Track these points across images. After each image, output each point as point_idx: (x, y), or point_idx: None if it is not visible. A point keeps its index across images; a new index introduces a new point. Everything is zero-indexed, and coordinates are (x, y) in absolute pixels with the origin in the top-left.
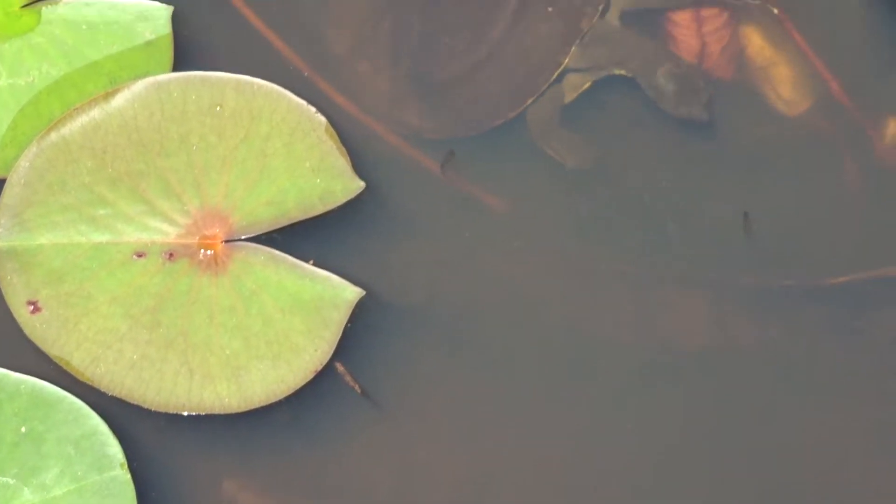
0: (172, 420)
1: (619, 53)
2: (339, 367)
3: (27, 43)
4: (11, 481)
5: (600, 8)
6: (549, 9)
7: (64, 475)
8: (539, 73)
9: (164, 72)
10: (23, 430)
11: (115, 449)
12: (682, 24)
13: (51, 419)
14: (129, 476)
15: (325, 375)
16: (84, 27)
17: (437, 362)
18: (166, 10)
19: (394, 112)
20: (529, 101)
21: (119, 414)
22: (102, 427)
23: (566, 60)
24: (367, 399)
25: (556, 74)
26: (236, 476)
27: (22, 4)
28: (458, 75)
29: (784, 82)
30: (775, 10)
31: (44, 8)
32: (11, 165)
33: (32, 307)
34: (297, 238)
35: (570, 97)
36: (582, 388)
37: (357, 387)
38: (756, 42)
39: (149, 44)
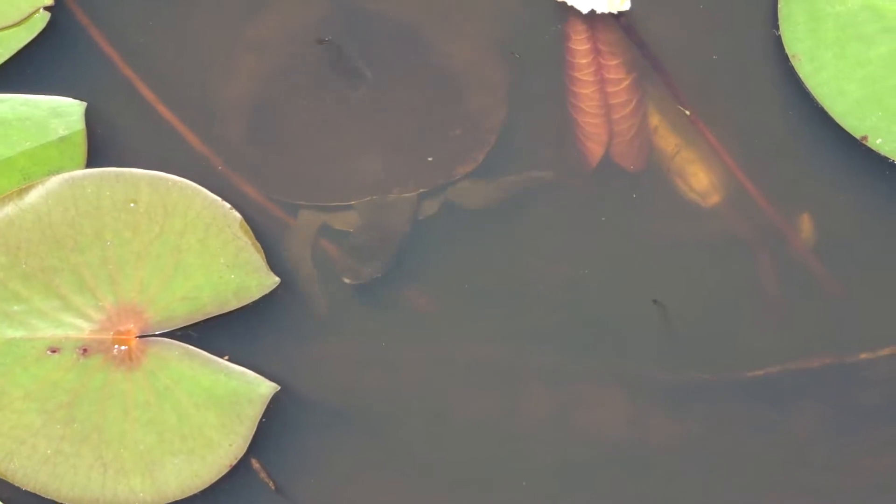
0: None
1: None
2: (255, 463)
3: None
4: None
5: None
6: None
7: None
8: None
9: (77, 167)
10: None
11: None
12: (591, 111)
13: None
14: None
15: (239, 470)
16: None
17: (352, 459)
18: (79, 106)
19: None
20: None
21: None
22: None
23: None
24: (282, 495)
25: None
26: None
27: None
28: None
29: (695, 175)
30: (687, 112)
31: None
32: None
33: None
34: (212, 333)
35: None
36: (500, 487)
37: (272, 483)
38: (666, 136)
39: (62, 139)
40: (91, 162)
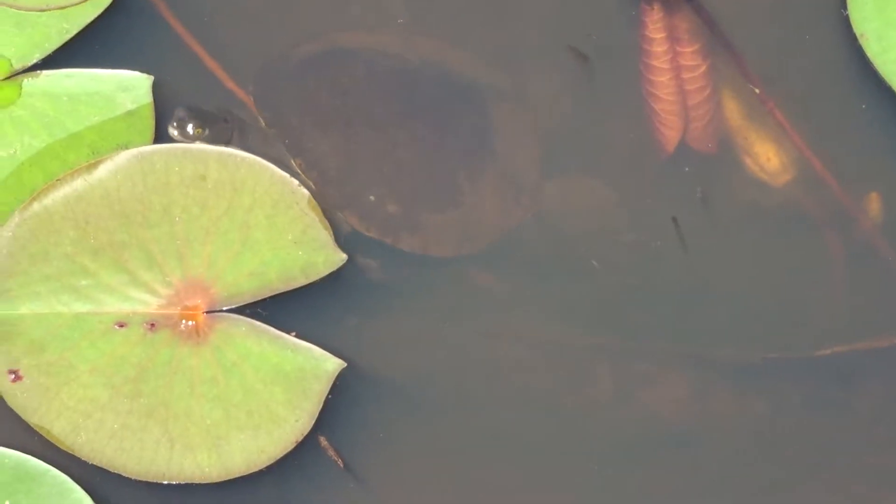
0: (154, 490)
1: None
2: (323, 441)
3: (8, 115)
4: None
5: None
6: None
7: None
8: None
9: (145, 141)
10: (7, 503)
11: None
12: (667, 98)
13: (34, 493)
14: None
15: (305, 446)
16: (65, 99)
17: (418, 435)
18: (147, 80)
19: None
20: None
21: (101, 485)
22: (87, 501)
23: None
24: (349, 472)
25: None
26: None
27: (2, 77)
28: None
29: (765, 156)
30: (757, 91)
31: (24, 80)
32: None
33: (13, 376)
34: (279, 309)
35: None
36: (563, 463)
37: (340, 461)
38: (737, 117)
39: (130, 113)
40: (158, 136)
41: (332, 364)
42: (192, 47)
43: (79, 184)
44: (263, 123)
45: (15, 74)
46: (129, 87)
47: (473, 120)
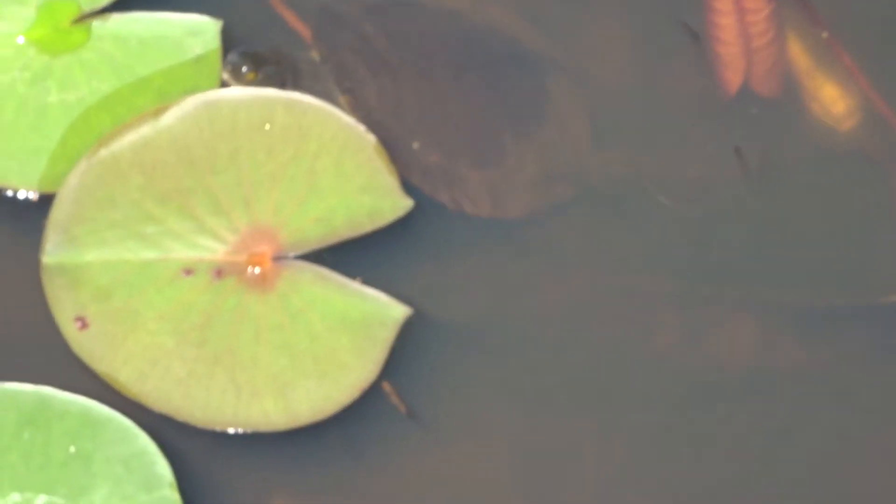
0: (220, 439)
1: None
2: (386, 385)
3: (77, 59)
4: (60, 501)
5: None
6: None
7: (113, 495)
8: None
9: (212, 86)
10: (72, 449)
11: (163, 468)
12: (730, 41)
13: (100, 438)
14: (177, 495)
15: (371, 393)
16: (133, 43)
17: (485, 382)
18: (215, 25)
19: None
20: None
21: (167, 432)
22: (151, 447)
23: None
24: (412, 419)
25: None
26: (284, 493)
27: (72, 20)
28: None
29: (830, 100)
30: (824, 35)
31: (94, 24)
32: (61, 180)
33: (80, 323)
34: (345, 256)
35: None
36: (630, 408)
37: (403, 406)
38: (802, 61)
39: (198, 59)
40: (226, 81)
41: (399, 311)
42: None
43: (145, 130)
44: (317, 56)
45: (84, 17)
46: (198, 31)
47: (527, 87)
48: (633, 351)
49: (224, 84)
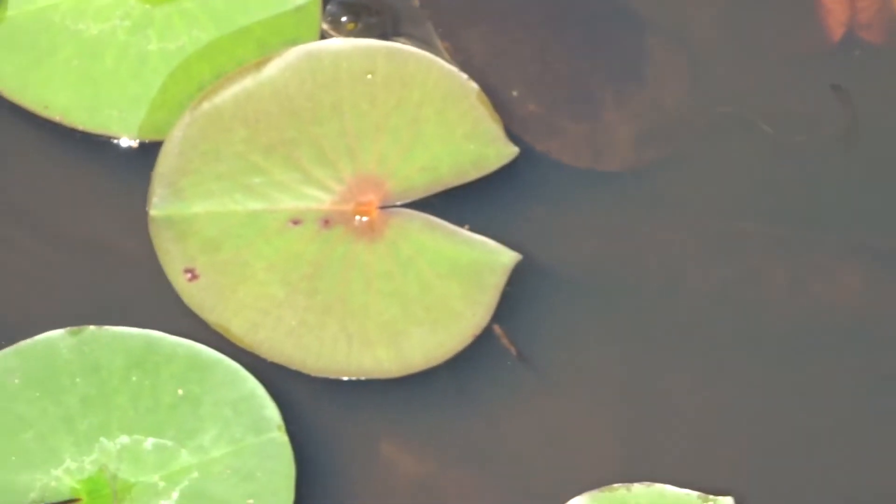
0: (328, 383)
1: None
2: (497, 329)
3: (177, 8)
4: (169, 443)
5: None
6: None
7: (221, 437)
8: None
9: (312, 37)
10: (180, 392)
11: (272, 411)
12: None
13: (208, 382)
14: (286, 438)
15: (481, 340)
16: None
17: (591, 326)
18: None
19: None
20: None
21: (274, 376)
22: (259, 390)
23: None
24: (524, 362)
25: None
26: (394, 438)
27: None
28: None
29: None
30: None
31: None
32: (162, 128)
33: (190, 275)
34: (451, 203)
35: None
36: (736, 353)
37: (514, 349)
38: None
39: (298, 9)
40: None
41: (508, 256)
42: None
43: (248, 82)
44: (418, 2)
45: None
46: None
47: (629, 45)
48: (737, 296)
49: (324, 35)
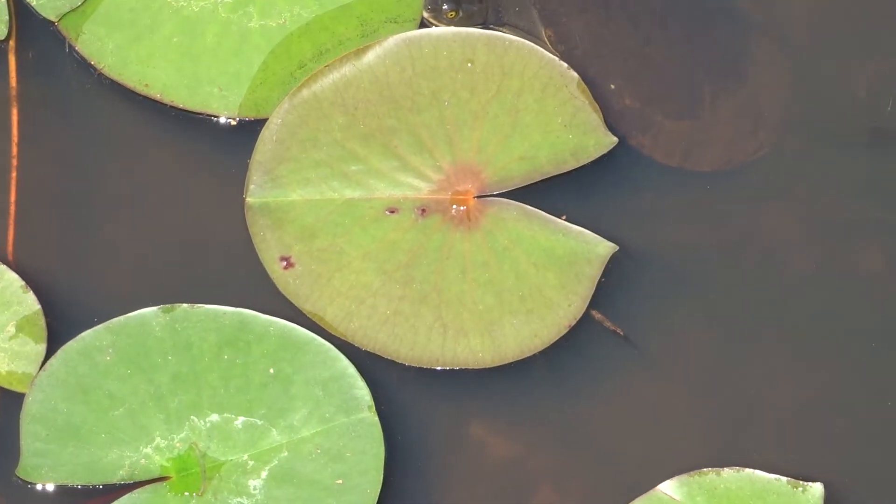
0: (420, 368)
1: None
2: (596, 314)
3: None
4: (260, 422)
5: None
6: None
7: (311, 416)
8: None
9: (414, 15)
10: (271, 371)
11: (362, 391)
12: None
13: (299, 361)
14: (376, 418)
15: (576, 330)
16: None
17: (686, 312)
18: None
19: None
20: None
21: (365, 357)
22: (350, 370)
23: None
24: (628, 342)
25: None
26: (483, 420)
27: None
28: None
29: None
30: None
31: None
32: (262, 107)
33: (285, 263)
34: (549, 193)
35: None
36: (831, 337)
37: (618, 329)
38: None
39: None
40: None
41: (604, 247)
42: None
43: (347, 69)
44: None
45: None
46: None
47: (731, 43)
48: (833, 279)
49: (425, 23)
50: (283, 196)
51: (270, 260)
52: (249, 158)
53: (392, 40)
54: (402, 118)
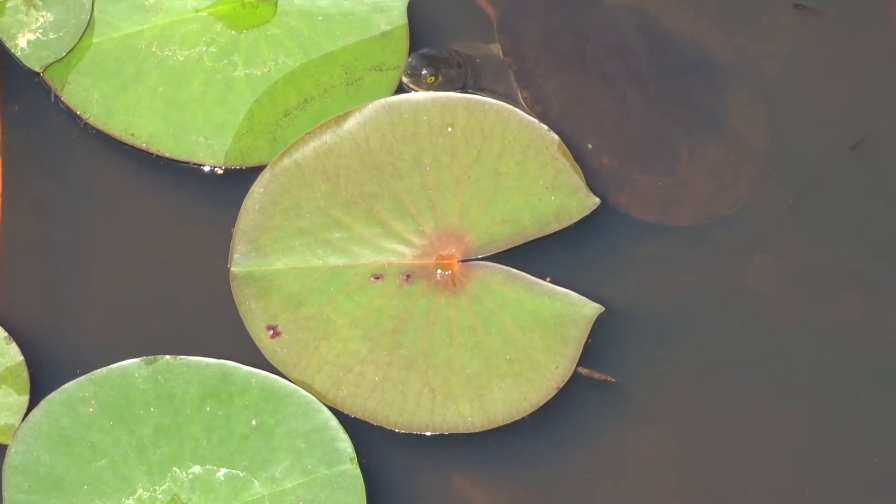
0: (413, 440)
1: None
2: (582, 370)
3: (263, 34)
4: (241, 473)
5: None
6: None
7: (293, 468)
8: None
9: (399, 62)
10: (253, 423)
11: (345, 444)
12: None
13: (281, 413)
14: (358, 471)
15: (564, 392)
16: (320, 18)
17: (672, 368)
18: (402, 2)
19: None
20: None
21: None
22: (333, 422)
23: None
24: (617, 382)
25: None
26: (467, 474)
27: None
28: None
29: None
30: None
31: None
32: (248, 155)
33: (272, 332)
34: (531, 255)
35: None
36: (816, 384)
37: (608, 377)
38: None
39: (384, 34)
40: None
41: (590, 309)
42: None
43: (328, 136)
44: (499, 48)
45: None
46: (385, 8)
47: (708, 96)
48: (814, 329)
49: (404, 88)
50: (267, 265)
51: (257, 329)
52: (235, 207)
53: (371, 106)
54: (384, 184)
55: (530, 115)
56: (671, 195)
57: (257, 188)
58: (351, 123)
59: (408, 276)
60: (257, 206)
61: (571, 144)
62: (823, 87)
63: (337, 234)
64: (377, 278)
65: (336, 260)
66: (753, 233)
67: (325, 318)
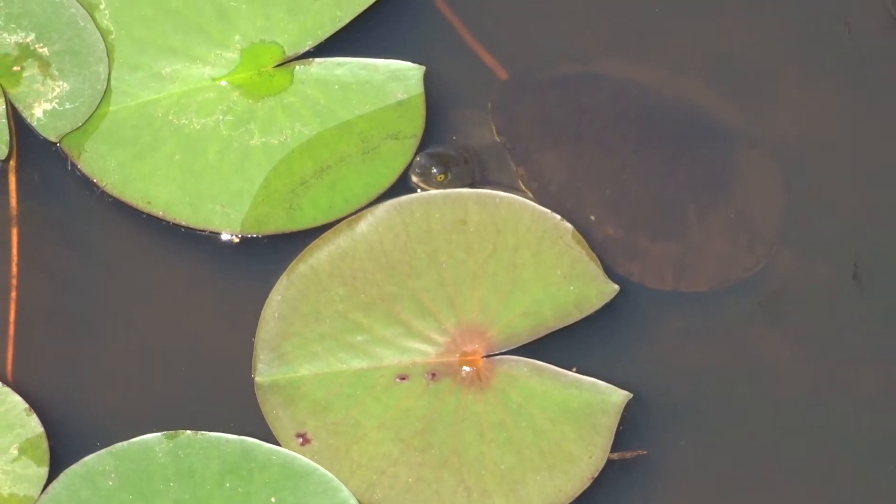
0: None
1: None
2: (613, 455)
3: (280, 102)
4: None
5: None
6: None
7: None
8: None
9: (416, 131)
10: (273, 500)
11: None
12: None
13: (301, 490)
14: None
15: (600, 480)
16: (336, 87)
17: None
18: (418, 70)
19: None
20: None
21: None
22: (352, 500)
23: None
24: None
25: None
26: None
27: (275, 64)
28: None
29: None
30: None
31: (296, 68)
32: (264, 223)
33: (301, 439)
34: (555, 346)
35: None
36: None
37: (640, 451)
38: None
39: (400, 103)
40: (428, 124)
41: (619, 396)
42: (465, 38)
43: (342, 240)
44: (494, 130)
45: (287, 61)
46: (401, 76)
47: (714, 160)
48: (830, 404)
49: (414, 188)
50: (291, 372)
51: (286, 437)
52: (252, 276)
53: (383, 207)
54: (401, 284)
55: (525, 192)
56: (684, 261)
57: (275, 296)
58: (364, 225)
59: (433, 374)
60: (276, 314)
61: (573, 218)
62: (836, 146)
63: (358, 337)
64: (402, 378)
65: (360, 363)
66: (771, 298)
67: (353, 423)
